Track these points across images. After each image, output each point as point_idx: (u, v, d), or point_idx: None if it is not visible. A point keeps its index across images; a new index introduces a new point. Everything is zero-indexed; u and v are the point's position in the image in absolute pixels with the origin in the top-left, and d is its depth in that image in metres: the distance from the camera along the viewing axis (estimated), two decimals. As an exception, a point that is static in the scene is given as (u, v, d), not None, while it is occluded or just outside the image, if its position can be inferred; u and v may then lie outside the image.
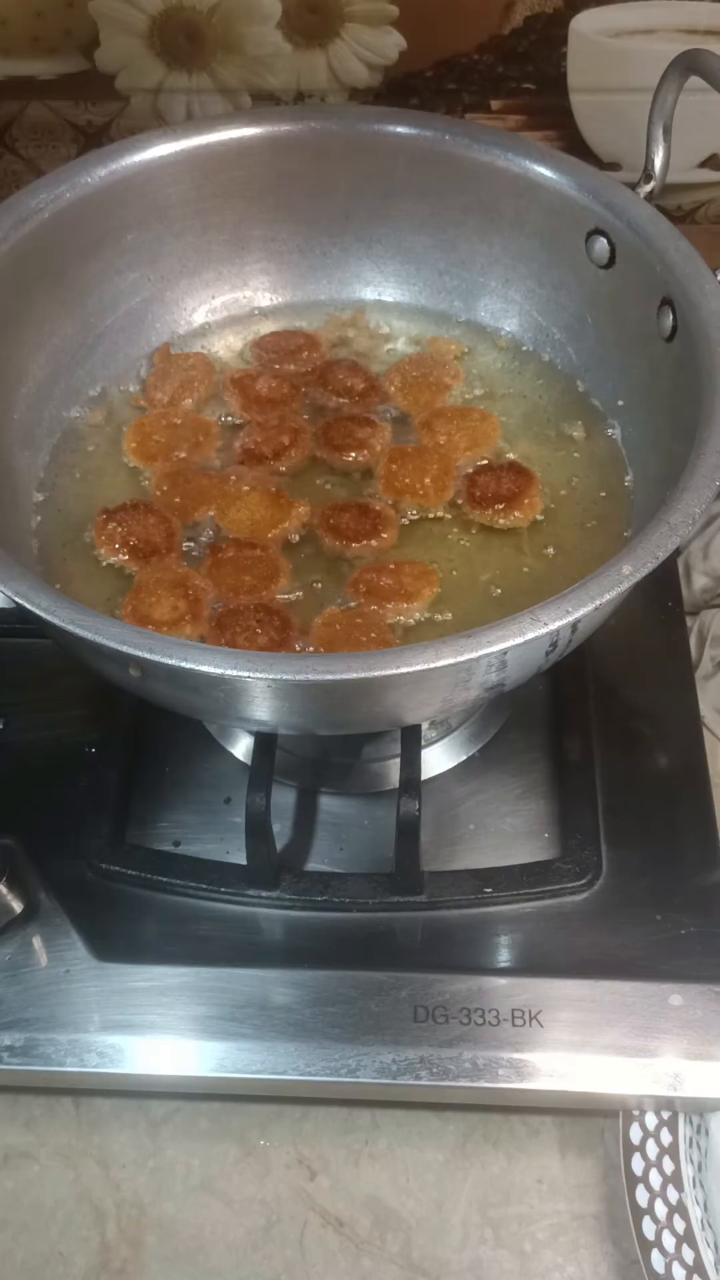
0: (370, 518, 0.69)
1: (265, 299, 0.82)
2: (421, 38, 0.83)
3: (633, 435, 0.72)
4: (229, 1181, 0.63)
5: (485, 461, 0.72)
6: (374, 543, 0.68)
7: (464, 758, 0.72)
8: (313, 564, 0.68)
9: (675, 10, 0.81)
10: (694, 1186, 0.59)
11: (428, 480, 0.70)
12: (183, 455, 0.73)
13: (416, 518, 0.70)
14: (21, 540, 0.68)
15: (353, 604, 0.65)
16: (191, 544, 0.69)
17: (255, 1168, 0.63)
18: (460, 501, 0.71)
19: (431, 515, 0.70)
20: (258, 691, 0.53)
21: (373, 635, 0.63)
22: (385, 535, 0.68)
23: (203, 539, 0.69)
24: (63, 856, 0.67)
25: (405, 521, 0.70)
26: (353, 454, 0.73)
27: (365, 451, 0.73)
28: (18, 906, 0.64)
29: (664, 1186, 0.59)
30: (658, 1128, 0.60)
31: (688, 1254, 0.57)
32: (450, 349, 0.79)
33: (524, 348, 0.79)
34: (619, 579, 0.52)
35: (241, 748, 0.72)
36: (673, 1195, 0.58)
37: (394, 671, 0.50)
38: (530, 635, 0.50)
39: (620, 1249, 0.60)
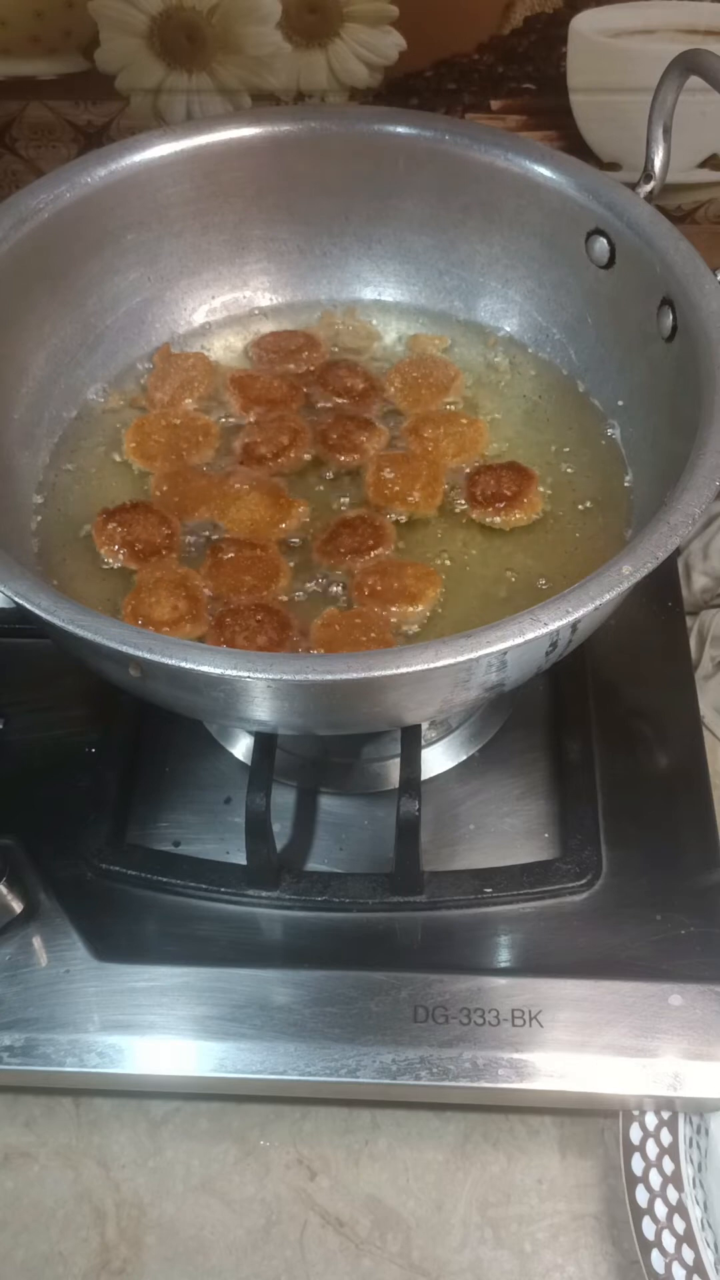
0: (366, 533, 0.68)
1: (265, 299, 0.82)
2: (421, 38, 0.83)
3: (633, 435, 0.72)
4: (229, 1181, 0.63)
5: (479, 464, 0.72)
6: (373, 557, 0.67)
7: (464, 758, 0.72)
8: (313, 564, 0.68)
9: (675, 10, 0.81)
10: (694, 1186, 0.59)
11: (417, 487, 0.70)
12: (183, 455, 0.73)
13: (412, 522, 0.70)
14: (21, 540, 0.68)
15: (356, 607, 0.65)
16: (191, 544, 0.69)
17: (255, 1168, 0.63)
18: (459, 503, 0.70)
19: (426, 519, 0.70)
20: (258, 691, 0.53)
21: (372, 635, 0.63)
22: (384, 547, 0.68)
23: (203, 539, 0.69)
24: (63, 856, 0.67)
25: (404, 539, 0.69)
26: (347, 455, 0.73)
27: (359, 454, 0.73)
28: (18, 906, 0.64)
29: (664, 1186, 0.59)
30: (658, 1128, 0.60)
31: (688, 1254, 0.57)
32: (434, 344, 0.79)
33: (524, 348, 0.79)
34: (619, 579, 0.52)
35: (241, 748, 0.72)
36: (673, 1195, 0.58)
37: (394, 671, 0.50)
38: (530, 635, 0.50)
39: (620, 1249, 0.60)
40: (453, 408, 0.76)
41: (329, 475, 0.73)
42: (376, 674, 0.50)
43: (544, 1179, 0.62)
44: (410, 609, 0.65)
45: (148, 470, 0.73)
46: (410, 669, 0.50)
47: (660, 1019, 0.61)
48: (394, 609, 0.64)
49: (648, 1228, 0.57)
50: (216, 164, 0.75)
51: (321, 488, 0.72)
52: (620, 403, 0.73)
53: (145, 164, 0.74)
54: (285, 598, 0.66)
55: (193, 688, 0.54)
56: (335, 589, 0.67)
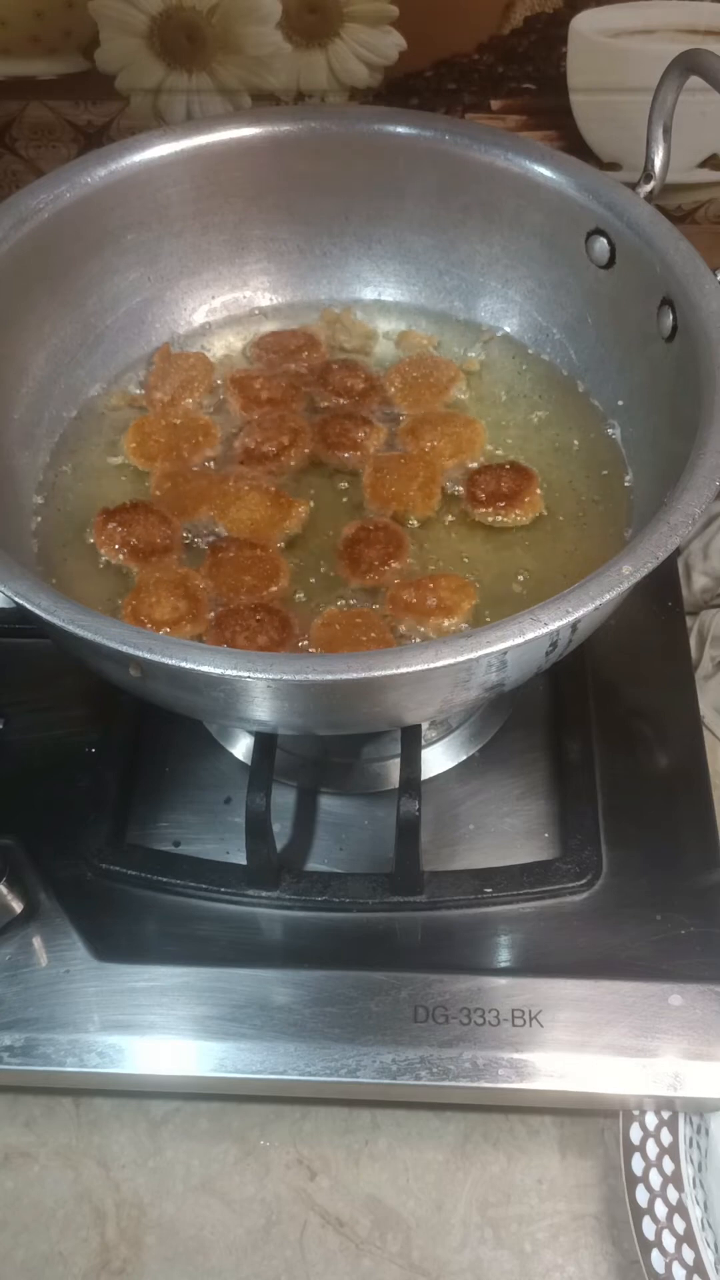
0: (382, 539, 0.67)
1: (265, 299, 0.82)
2: (421, 38, 0.83)
3: (633, 435, 0.72)
4: (229, 1181, 0.63)
5: (479, 463, 0.72)
6: (396, 565, 0.67)
7: (464, 758, 0.72)
8: (313, 564, 0.68)
9: (675, 10, 0.81)
10: (694, 1186, 0.59)
11: (414, 488, 0.70)
12: (183, 455, 0.73)
13: (415, 525, 0.70)
14: (21, 540, 0.68)
15: (397, 623, 0.65)
16: (191, 544, 0.69)
17: (255, 1168, 0.63)
18: (460, 500, 0.70)
19: (425, 520, 0.70)
20: (258, 691, 0.53)
21: (372, 635, 0.63)
22: (404, 547, 0.67)
23: (203, 539, 0.69)
24: (63, 856, 0.67)
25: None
26: (347, 453, 0.73)
27: (359, 452, 0.73)
28: (18, 906, 0.64)
29: (664, 1186, 0.59)
30: (658, 1128, 0.60)
31: (688, 1254, 0.57)
32: (421, 342, 0.79)
33: (524, 348, 0.79)
34: (619, 579, 0.52)
35: (241, 748, 0.72)
36: (673, 1195, 0.58)
37: (394, 671, 0.50)
38: (530, 635, 0.50)
39: (620, 1249, 0.60)
40: (453, 408, 0.76)
41: (329, 475, 0.73)
42: (376, 674, 0.50)
43: (544, 1179, 0.62)
44: (447, 623, 0.64)
45: (148, 470, 0.73)
46: (410, 669, 0.50)
47: (660, 1019, 0.61)
48: (430, 621, 0.64)
49: (648, 1228, 0.57)
50: (216, 164, 0.75)
51: (321, 489, 0.72)
52: (620, 403, 0.73)
53: (145, 164, 0.74)
54: (285, 597, 0.66)
55: (193, 688, 0.54)
56: (332, 587, 0.67)
